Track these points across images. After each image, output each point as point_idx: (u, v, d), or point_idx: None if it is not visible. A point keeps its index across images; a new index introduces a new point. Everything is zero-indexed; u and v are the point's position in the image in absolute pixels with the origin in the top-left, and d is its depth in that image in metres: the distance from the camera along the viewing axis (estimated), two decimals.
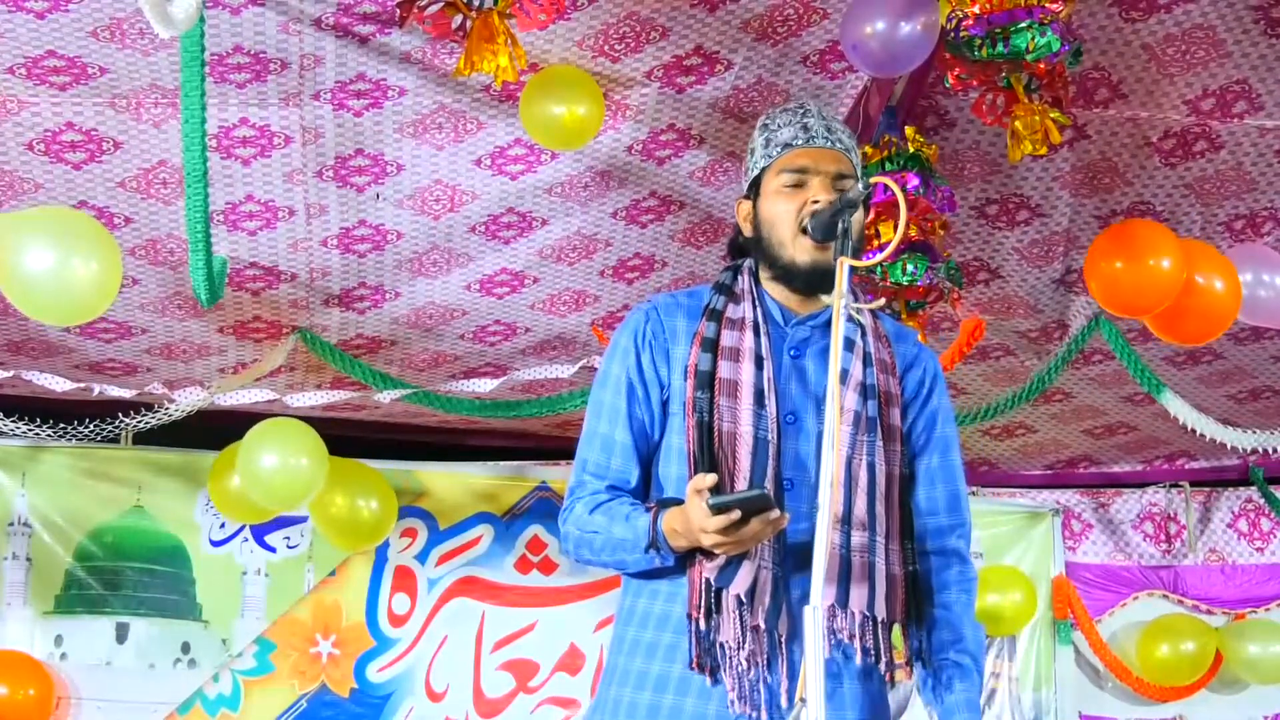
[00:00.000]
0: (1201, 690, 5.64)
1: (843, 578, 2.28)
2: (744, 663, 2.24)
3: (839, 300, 2.17)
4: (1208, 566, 5.80)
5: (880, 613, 2.30)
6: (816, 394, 2.37)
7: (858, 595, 2.28)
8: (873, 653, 2.29)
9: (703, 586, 2.25)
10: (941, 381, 2.53)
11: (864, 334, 2.43)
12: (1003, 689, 5.55)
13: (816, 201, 2.38)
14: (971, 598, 2.45)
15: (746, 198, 2.49)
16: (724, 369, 2.36)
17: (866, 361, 2.41)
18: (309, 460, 4.26)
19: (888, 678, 2.34)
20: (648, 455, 2.44)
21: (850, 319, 2.32)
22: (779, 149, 2.45)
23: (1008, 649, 5.58)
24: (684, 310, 2.47)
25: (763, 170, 2.47)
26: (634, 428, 2.42)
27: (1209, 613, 5.73)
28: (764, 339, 2.40)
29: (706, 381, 2.35)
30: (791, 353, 2.41)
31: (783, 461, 2.34)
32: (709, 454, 2.31)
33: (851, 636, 2.28)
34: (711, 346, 2.38)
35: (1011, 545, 5.61)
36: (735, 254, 2.54)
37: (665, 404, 2.42)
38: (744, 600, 2.24)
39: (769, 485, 2.29)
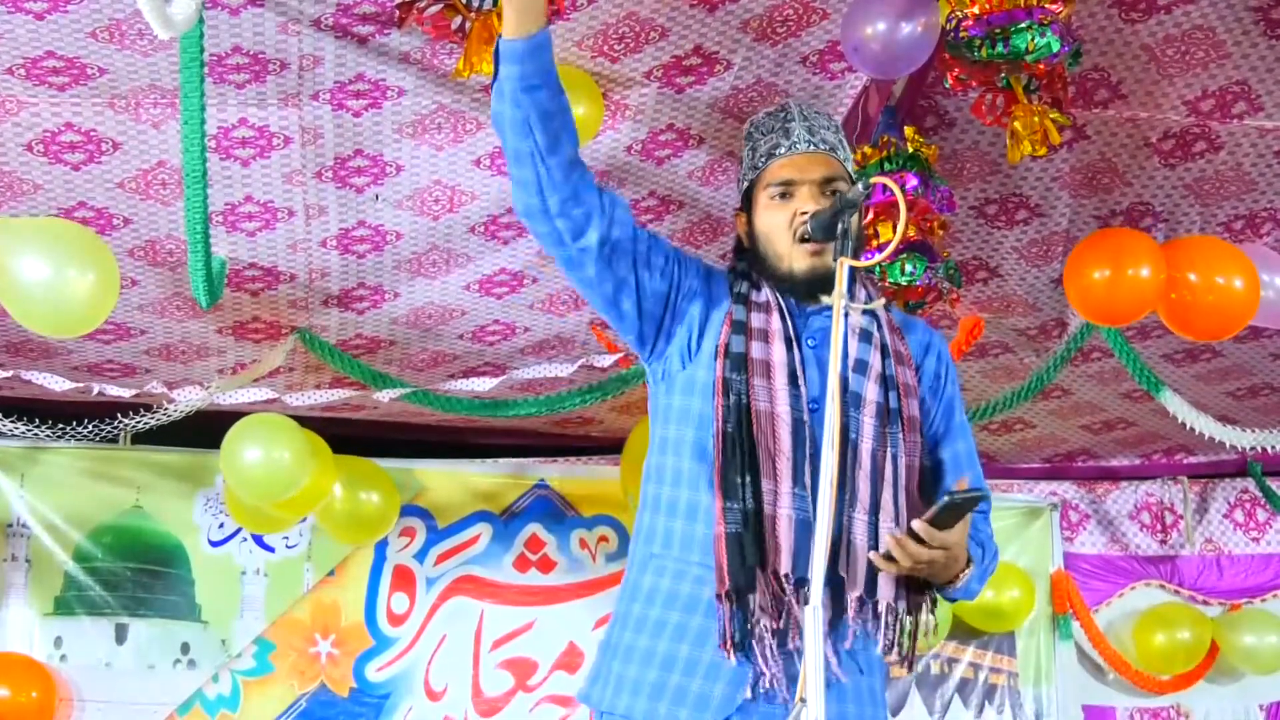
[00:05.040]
0: (1199, 681, 5.67)
1: (870, 569, 2.29)
2: (772, 647, 2.25)
3: (839, 300, 2.17)
4: (1204, 557, 5.81)
5: (902, 603, 2.32)
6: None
7: (885, 587, 2.30)
8: (893, 643, 2.31)
9: (729, 565, 2.26)
10: (953, 367, 2.55)
11: (879, 325, 2.44)
12: (1003, 685, 5.56)
13: (805, 211, 2.39)
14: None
15: (741, 210, 2.50)
16: (756, 349, 2.36)
17: (884, 353, 2.41)
18: (290, 454, 4.24)
19: (893, 667, 2.36)
20: (636, 281, 2.41)
21: (865, 310, 2.33)
22: (764, 159, 2.46)
23: (1007, 645, 5.59)
24: (724, 285, 2.48)
25: (751, 184, 2.48)
26: (652, 267, 2.41)
27: (1205, 603, 5.74)
28: (789, 322, 2.40)
29: (740, 363, 2.35)
30: (810, 342, 2.41)
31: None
32: (747, 434, 2.30)
33: (875, 627, 2.29)
34: (741, 328, 2.38)
35: (1009, 541, 5.61)
36: (739, 260, 2.55)
37: (665, 310, 2.42)
38: (782, 580, 2.26)
39: (807, 466, 2.30)
